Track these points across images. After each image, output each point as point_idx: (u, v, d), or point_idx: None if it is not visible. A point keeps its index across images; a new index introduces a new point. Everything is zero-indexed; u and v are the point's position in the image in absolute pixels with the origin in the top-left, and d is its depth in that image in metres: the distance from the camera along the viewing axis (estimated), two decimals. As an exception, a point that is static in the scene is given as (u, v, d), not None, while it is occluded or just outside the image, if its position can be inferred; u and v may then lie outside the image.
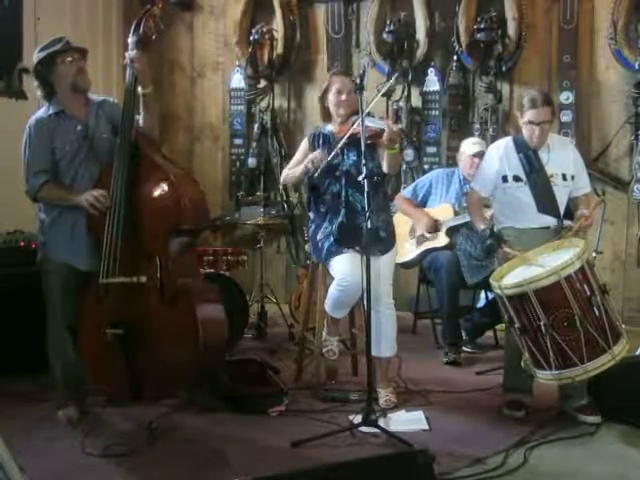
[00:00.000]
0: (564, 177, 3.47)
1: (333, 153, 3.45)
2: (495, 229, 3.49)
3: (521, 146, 3.49)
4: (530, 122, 3.40)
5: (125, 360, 3.05)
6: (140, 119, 3.24)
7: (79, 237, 3.22)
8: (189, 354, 3.02)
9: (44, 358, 3.32)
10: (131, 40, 3.24)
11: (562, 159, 3.50)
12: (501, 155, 3.52)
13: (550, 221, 3.45)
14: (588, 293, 2.97)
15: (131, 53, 3.16)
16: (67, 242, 3.23)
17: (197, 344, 3.01)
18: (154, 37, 3.40)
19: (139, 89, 3.17)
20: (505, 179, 3.50)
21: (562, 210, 3.47)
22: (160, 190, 3.12)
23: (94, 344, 3.15)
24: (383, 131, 3.27)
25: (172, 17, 6.12)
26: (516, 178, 3.47)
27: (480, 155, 4.47)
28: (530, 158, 3.46)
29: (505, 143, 3.57)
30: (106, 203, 3.08)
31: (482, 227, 3.50)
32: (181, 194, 3.10)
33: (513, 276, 3.16)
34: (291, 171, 3.66)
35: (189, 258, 3.37)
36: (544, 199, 3.45)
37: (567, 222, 3.46)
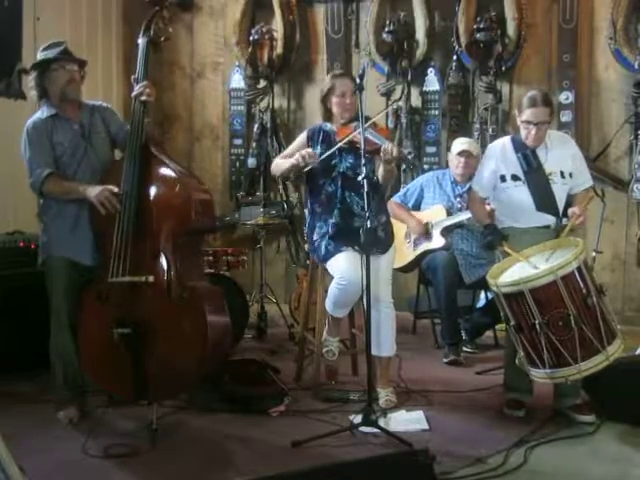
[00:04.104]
0: (562, 175, 3.45)
1: (327, 154, 3.44)
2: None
3: (519, 145, 3.48)
4: (527, 122, 3.40)
5: (131, 360, 3.05)
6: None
7: (82, 232, 3.22)
8: (196, 355, 3.03)
9: (44, 358, 3.32)
10: (141, 41, 3.28)
11: (560, 156, 3.48)
12: (498, 155, 3.52)
13: (550, 220, 3.45)
14: (584, 293, 2.97)
15: (142, 86, 3.19)
16: (70, 238, 3.23)
17: (205, 345, 3.02)
18: (163, 39, 3.40)
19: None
20: (503, 179, 3.50)
21: (561, 208, 3.46)
22: (172, 191, 3.16)
23: (98, 344, 3.15)
24: (380, 148, 3.27)
25: (172, 18, 6.12)
26: (514, 177, 3.47)
27: (465, 155, 4.48)
28: (528, 157, 3.45)
29: (503, 142, 3.57)
30: (116, 206, 3.09)
31: (486, 222, 3.51)
32: (192, 195, 3.16)
33: (510, 274, 3.17)
34: (280, 161, 3.64)
35: (196, 259, 3.40)
36: (543, 198, 3.44)
37: (566, 220, 3.44)
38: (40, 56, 3.27)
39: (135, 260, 3.09)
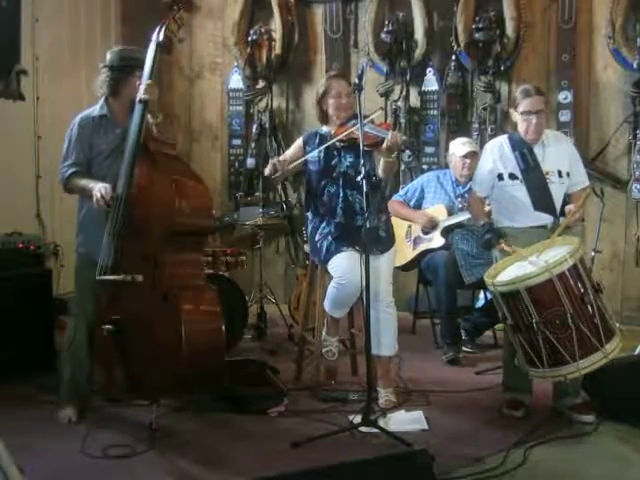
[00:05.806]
0: (560, 174, 3.46)
1: (322, 147, 3.45)
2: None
3: (516, 144, 3.49)
4: (527, 112, 3.40)
5: (118, 357, 3.06)
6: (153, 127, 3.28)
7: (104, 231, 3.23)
8: (173, 357, 2.98)
9: (43, 359, 3.32)
10: (153, 43, 3.24)
11: (557, 155, 3.48)
12: (495, 154, 3.52)
13: (547, 219, 3.45)
14: (581, 291, 2.96)
15: (145, 84, 3.16)
16: (94, 235, 3.22)
17: (180, 349, 2.96)
18: (179, 41, 3.38)
19: (150, 119, 3.20)
20: (501, 177, 3.49)
21: (558, 207, 3.46)
22: (158, 191, 3.13)
23: (96, 342, 3.17)
24: (383, 140, 3.27)
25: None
26: (512, 176, 3.47)
27: (470, 155, 4.48)
28: (525, 156, 3.46)
29: (500, 141, 3.57)
30: (109, 204, 3.08)
31: (482, 222, 3.50)
32: (178, 195, 3.10)
33: (507, 273, 3.17)
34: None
35: (189, 261, 3.33)
36: (540, 197, 3.44)
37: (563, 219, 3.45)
38: (118, 57, 3.24)
39: (127, 259, 3.09)
